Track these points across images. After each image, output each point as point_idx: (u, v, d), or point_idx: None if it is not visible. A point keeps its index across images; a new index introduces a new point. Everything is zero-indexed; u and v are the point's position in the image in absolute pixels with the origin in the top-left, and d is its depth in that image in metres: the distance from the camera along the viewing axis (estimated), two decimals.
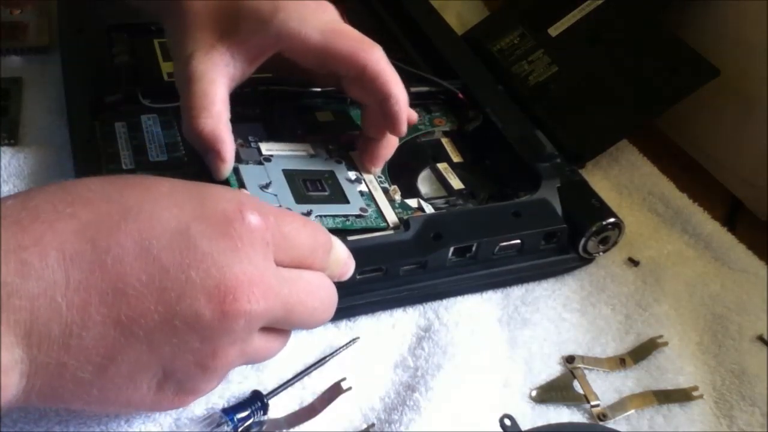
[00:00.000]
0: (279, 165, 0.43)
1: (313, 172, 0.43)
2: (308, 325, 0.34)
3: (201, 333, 0.27)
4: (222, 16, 0.38)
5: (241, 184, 0.40)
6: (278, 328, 0.32)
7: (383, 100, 0.40)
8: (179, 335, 0.26)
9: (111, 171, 0.40)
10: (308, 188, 0.42)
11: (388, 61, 0.40)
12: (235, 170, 0.41)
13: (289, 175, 0.42)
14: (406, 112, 0.41)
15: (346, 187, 0.43)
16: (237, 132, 0.40)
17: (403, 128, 0.42)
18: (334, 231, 0.40)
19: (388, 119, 0.41)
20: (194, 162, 0.42)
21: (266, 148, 0.44)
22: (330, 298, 0.33)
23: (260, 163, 0.42)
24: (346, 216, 0.41)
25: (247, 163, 0.42)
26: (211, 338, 0.27)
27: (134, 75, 0.48)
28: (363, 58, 0.39)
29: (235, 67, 0.39)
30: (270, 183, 0.41)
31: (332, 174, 0.44)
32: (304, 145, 0.46)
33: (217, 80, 0.38)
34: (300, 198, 0.41)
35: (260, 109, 0.49)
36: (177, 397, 0.29)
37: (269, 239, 0.28)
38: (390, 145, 0.44)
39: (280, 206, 0.40)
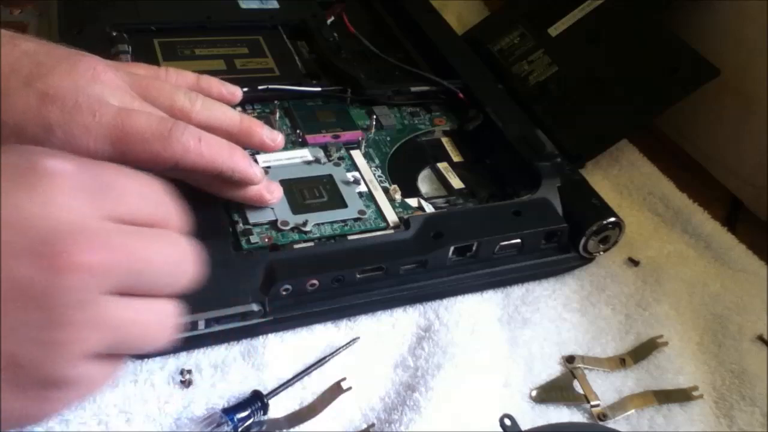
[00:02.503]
0: (276, 175, 0.42)
1: (310, 179, 0.43)
2: (169, 287, 0.28)
3: (36, 301, 0.23)
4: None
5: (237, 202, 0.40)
6: (143, 295, 0.26)
7: (218, 176, 0.36)
8: (14, 310, 0.22)
9: None
10: (305, 196, 0.42)
11: (194, 138, 0.34)
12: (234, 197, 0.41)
13: (286, 185, 0.42)
14: (251, 167, 0.37)
15: (344, 190, 0.43)
16: None
17: (259, 178, 0.38)
18: (333, 237, 0.40)
19: (241, 183, 0.38)
20: None
21: (263, 159, 0.44)
22: (186, 256, 0.28)
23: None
24: (344, 221, 0.41)
25: None
26: (48, 305, 0.23)
27: None
28: (167, 156, 0.33)
29: None
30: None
31: (330, 178, 0.44)
32: (302, 150, 0.46)
33: None
34: (297, 208, 0.41)
35: (260, 109, 0.49)
36: (39, 393, 0.24)
37: (86, 186, 0.25)
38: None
39: (276, 219, 0.40)
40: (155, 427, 0.34)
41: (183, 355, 0.37)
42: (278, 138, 0.40)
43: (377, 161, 0.47)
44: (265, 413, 0.35)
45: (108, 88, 0.34)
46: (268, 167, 0.43)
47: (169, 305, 0.27)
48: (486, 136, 0.50)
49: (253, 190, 0.39)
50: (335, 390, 0.36)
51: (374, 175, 0.45)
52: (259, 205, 0.40)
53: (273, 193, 0.40)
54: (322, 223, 0.40)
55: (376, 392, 0.37)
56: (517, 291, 0.44)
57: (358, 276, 0.38)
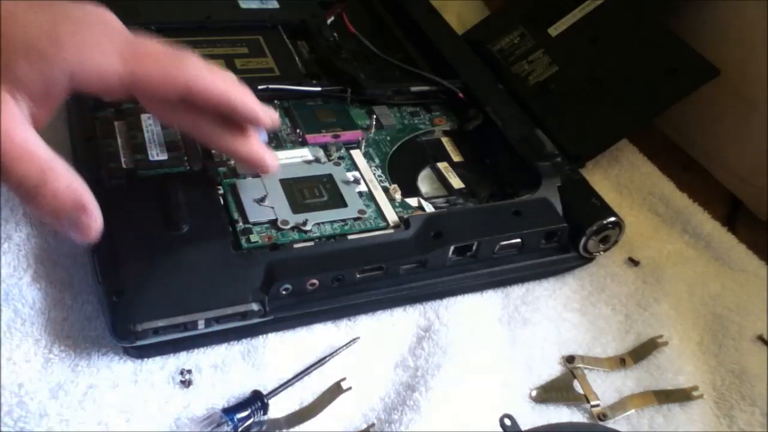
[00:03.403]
0: (276, 175, 0.43)
1: (310, 178, 0.43)
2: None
3: None
4: None
5: (238, 200, 0.40)
6: None
7: (229, 111, 0.35)
8: None
9: (111, 170, 0.40)
10: (305, 196, 0.42)
11: (206, 65, 0.34)
12: (233, 186, 0.41)
13: (286, 185, 0.42)
14: (259, 105, 0.36)
15: (344, 189, 0.43)
16: None
17: (267, 119, 0.36)
18: (333, 236, 0.40)
19: (246, 121, 0.37)
20: (194, 161, 0.42)
21: None
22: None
23: (257, 176, 0.42)
24: (344, 221, 0.41)
25: (245, 177, 0.42)
26: None
27: None
28: (180, 76, 0.33)
29: (26, 113, 0.31)
30: (266, 195, 0.41)
31: (330, 177, 0.44)
32: (302, 149, 0.46)
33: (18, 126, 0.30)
34: (297, 207, 0.41)
35: None
36: None
37: None
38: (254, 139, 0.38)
39: (276, 218, 0.40)
40: (155, 427, 0.34)
41: (183, 355, 0.37)
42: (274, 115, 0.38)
43: (377, 161, 0.47)
44: (265, 413, 0.35)
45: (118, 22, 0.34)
46: None
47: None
48: (486, 136, 0.50)
49: (254, 147, 0.37)
50: (335, 390, 0.36)
51: (374, 174, 0.45)
52: (255, 170, 0.39)
53: (271, 160, 0.38)
54: (322, 223, 0.40)
55: (376, 392, 0.37)
56: (517, 291, 0.44)
57: (358, 276, 0.38)
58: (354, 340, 0.39)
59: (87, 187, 0.31)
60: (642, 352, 0.41)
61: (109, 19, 0.33)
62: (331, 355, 0.38)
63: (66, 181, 0.31)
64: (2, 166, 0.29)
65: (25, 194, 0.30)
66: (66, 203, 0.31)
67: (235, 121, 0.36)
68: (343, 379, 0.37)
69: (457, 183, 0.47)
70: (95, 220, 0.32)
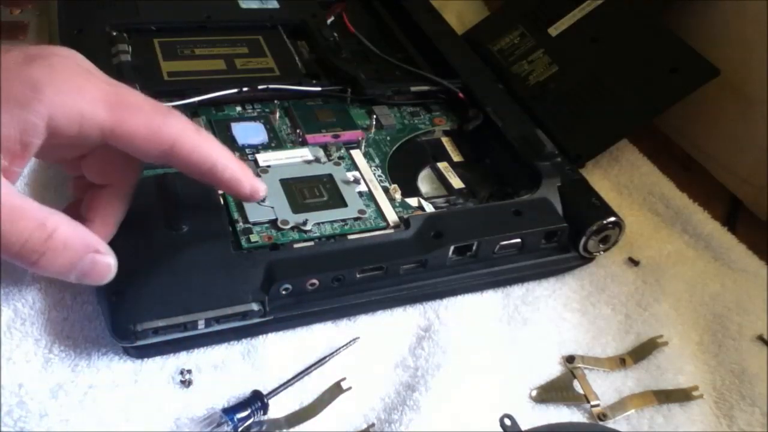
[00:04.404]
0: (276, 175, 0.43)
1: (310, 178, 0.43)
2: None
3: None
4: None
5: (238, 200, 0.40)
6: None
7: (208, 171, 0.33)
8: None
9: None
10: (305, 196, 0.42)
11: (192, 124, 0.32)
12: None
13: (286, 185, 0.42)
14: (242, 173, 0.34)
15: (344, 189, 0.43)
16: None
17: (248, 188, 0.34)
18: (333, 236, 0.40)
19: (224, 187, 0.34)
20: None
21: (263, 158, 0.44)
22: None
23: (257, 176, 0.42)
24: (344, 221, 0.41)
25: None
26: None
27: (134, 75, 0.48)
28: (167, 133, 0.31)
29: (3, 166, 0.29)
30: (266, 195, 0.41)
31: (330, 177, 0.44)
32: (303, 149, 0.46)
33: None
34: (297, 207, 0.41)
35: (260, 108, 0.49)
36: None
37: None
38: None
39: (276, 218, 0.40)
40: (155, 427, 0.34)
41: (183, 355, 0.37)
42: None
43: (377, 161, 0.47)
44: (265, 413, 0.35)
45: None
46: (268, 166, 0.43)
47: None
48: (486, 136, 0.50)
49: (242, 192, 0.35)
50: (335, 390, 0.36)
51: (374, 174, 0.45)
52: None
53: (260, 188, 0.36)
54: (322, 223, 0.40)
55: (376, 392, 0.37)
56: (517, 291, 0.44)
57: (358, 276, 0.38)
58: (354, 340, 0.39)
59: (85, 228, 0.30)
60: (642, 352, 0.41)
61: (88, 65, 0.31)
62: (331, 355, 0.38)
63: (70, 227, 0.29)
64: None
65: (33, 254, 0.28)
66: (79, 249, 0.29)
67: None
68: (343, 379, 0.37)
69: (457, 183, 0.47)
70: (111, 255, 0.31)
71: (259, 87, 0.48)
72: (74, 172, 0.35)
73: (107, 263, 0.31)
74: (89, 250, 0.30)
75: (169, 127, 0.31)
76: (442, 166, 0.48)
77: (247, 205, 0.40)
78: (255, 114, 0.48)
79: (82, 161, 0.34)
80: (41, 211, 0.29)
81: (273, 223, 0.40)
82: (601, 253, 0.45)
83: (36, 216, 0.28)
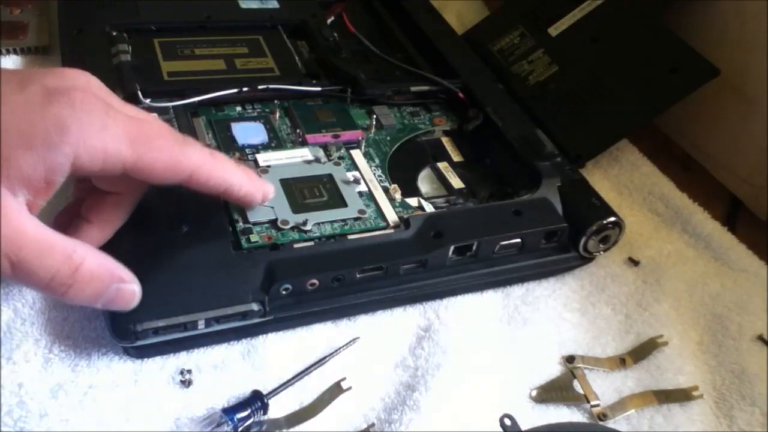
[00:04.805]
0: (276, 175, 0.42)
1: (310, 178, 0.43)
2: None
3: None
4: None
5: None
6: None
7: (225, 192, 0.35)
8: None
9: None
10: (305, 196, 0.42)
11: (208, 150, 0.34)
12: None
13: (286, 185, 0.42)
14: (254, 185, 0.37)
15: (344, 189, 0.43)
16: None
17: (260, 197, 0.38)
18: (333, 236, 0.40)
19: (239, 202, 0.38)
20: None
21: (263, 158, 0.44)
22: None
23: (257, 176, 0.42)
24: (344, 221, 0.41)
25: None
26: None
27: (134, 75, 0.48)
28: (186, 165, 0.32)
29: (24, 201, 0.29)
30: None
31: (330, 177, 0.44)
32: (303, 149, 0.46)
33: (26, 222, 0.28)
34: (297, 207, 0.41)
35: (260, 108, 0.49)
36: None
37: None
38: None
39: (276, 218, 0.40)
40: (155, 427, 0.34)
41: (183, 355, 0.37)
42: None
43: (377, 161, 0.47)
44: (265, 413, 0.35)
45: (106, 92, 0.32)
46: (269, 166, 0.43)
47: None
48: (486, 136, 0.50)
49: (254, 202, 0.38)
50: (335, 390, 0.36)
51: (374, 174, 0.45)
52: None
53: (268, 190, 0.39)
54: (322, 223, 0.40)
55: (376, 392, 0.37)
56: (517, 291, 0.44)
57: (358, 276, 0.38)
58: (354, 340, 0.39)
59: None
60: (642, 352, 0.41)
61: (105, 93, 0.31)
62: (331, 355, 0.38)
63: (96, 258, 0.30)
64: (27, 268, 0.28)
65: (61, 287, 0.29)
66: (105, 280, 0.30)
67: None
68: (343, 379, 0.37)
69: (457, 183, 0.47)
70: (136, 283, 0.32)
71: (259, 87, 0.48)
72: (80, 176, 0.35)
73: (132, 291, 0.32)
74: (114, 279, 0.31)
75: (187, 158, 0.32)
76: (442, 166, 0.48)
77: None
78: (255, 114, 0.48)
79: None
80: (68, 243, 0.29)
81: (273, 223, 0.40)
82: (601, 253, 0.45)
83: (63, 249, 0.29)
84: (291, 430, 0.35)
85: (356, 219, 0.41)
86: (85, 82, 0.31)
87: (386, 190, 0.44)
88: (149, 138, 0.31)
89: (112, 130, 0.29)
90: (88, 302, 0.30)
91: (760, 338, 0.42)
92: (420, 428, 0.35)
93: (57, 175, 0.28)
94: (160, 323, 0.34)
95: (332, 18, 0.59)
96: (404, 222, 0.41)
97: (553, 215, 0.43)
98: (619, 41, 0.54)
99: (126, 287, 0.31)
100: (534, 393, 0.38)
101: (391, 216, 0.42)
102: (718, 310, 0.44)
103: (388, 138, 0.49)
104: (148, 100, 0.45)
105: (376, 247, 0.39)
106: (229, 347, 0.38)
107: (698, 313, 0.44)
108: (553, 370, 0.40)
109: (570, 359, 0.40)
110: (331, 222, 0.41)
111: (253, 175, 0.38)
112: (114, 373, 0.35)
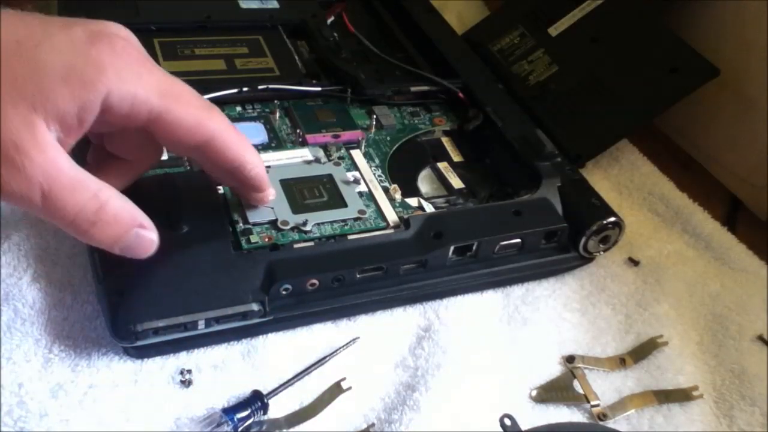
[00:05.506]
0: (276, 175, 0.42)
1: (310, 178, 0.43)
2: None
3: None
4: (26, 82, 0.28)
5: (238, 200, 0.40)
6: None
7: (237, 168, 0.35)
8: None
9: None
10: (305, 196, 0.42)
11: (231, 125, 0.34)
12: (233, 186, 0.41)
13: (286, 185, 0.42)
14: (264, 173, 0.37)
15: (344, 189, 0.43)
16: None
17: (267, 196, 0.38)
18: (333, 236, 0.40)
19: (247, 184, 0.37)
20: (195, 161, 0.42)
21: (263, 158, 0.43)
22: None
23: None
24: (344, 221, 0.41)
25: None
26: None
27: None
28: (209, 127, 0.32)
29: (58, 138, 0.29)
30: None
31: (330, 177, 0.44)
32: (303, 149, 0.46)
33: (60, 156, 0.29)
34: (297, 207, 0.41)
35: (260, 108, 0.49)
36: None
37: None
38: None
39: (276, 219, 0.40)
40: (155, 427, 0.34)
41: (183, 355, 0.37)
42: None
43: (377, 161, 0.47)
44: (265, 413, 0.35)
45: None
46: (269, 167, 0.43)
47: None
48: (486, 136, 0.50)
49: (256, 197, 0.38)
50: (335, 390, 0.36)
51: (374, 174, 0.45)
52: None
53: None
54: (322, 223, 0.40)
55: (376, 392, 0.37)
56: (517, 291, 0.44)
57: (358, 276, 0.38)
58: (354, 340, 0.39)
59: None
60: (642, 352, 0.41)
61: (143, 49, 0.32)
62: (331, 355, 0.38)
63: (120, 200, 0.30)
64: (56, 201, 0.28)
65: (84, 224, 0.29)
66: (127, 222, 0.31)
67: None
68: (343, 379, 0.37)
69: (457, 183, 0.47)
70: (155, 232, 0.32)
71: (259, 87, 0.48)
72: (96, 140, 0.36)
73: (150, 239, 0.32)
74: (135, 224, 0.31)
75: (211, 121, 0.32)
76: (442, 166, 0.48)
77: (247, 206, 0.40)
78: (255, 114, 0.48)
79: (106, 134, 0.35)
80: (95, 182, 0.30)
81: (273, 223, 0.40)
82: (601, 253, 0.45)
83: (90, 187, 0.29)
84: (291, 430, 0.35)
85: (356, 219, 0.41)
86: (126, 34, 0.31)
87: (386, 190, 0.44)
88: (179, 94, 0.32)
89: (146, 78, 0.30)
90: (108, 244, 0.31)
91: (760, 338, 0.42)
92: (420, 428, 0.35)
93: (89, 113, 0.29)
94: (160, 323, 0.34)
95: (332, 18, 0.59)
96: (404, 222, 0.41)
97: (553, 215, 0.43)
98: (619, 41, 0.54)
99: (146, 234, 0.32)
100: (534, 393, 0.38)
101: (391, 216, 0.42)
102: (718, 310, 0.44)
103: (388, 138, 0.49)
104: None
105: (376, 247, 0.39)
106: (229, 347, 0.38)
107: (698, 313, 0.44)
108: (553, 370, 0.40)
109: (570, 359, 0.40)
110: (331, 222, 0.41)
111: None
112: (114, 373, 0.35)
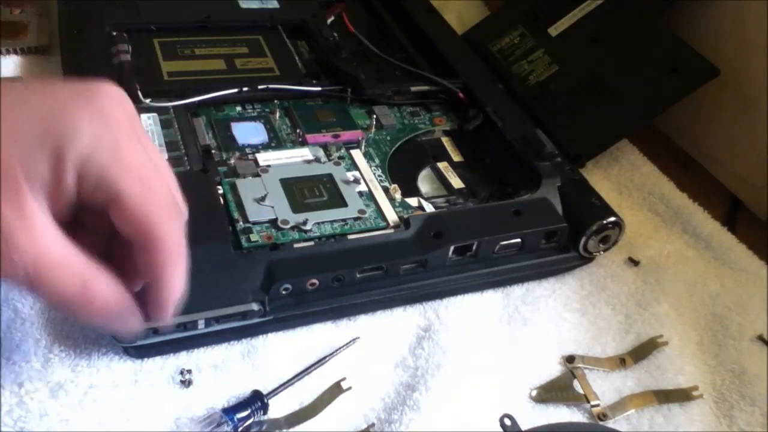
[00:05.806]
0: (276, 174, 0.43)
1: (310, 178, 0.43)
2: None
3: None
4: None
5: (238, 199, 0.40)
6: None
7: (154, 283, 0.30)
8: None
9: None
10: (305, 195, 0.42)
11: (181, 241, 0.30)
12: (233, 185, 0.41)
13: (286, 184, 0.42)
14: (175, 301, 0.31)
15: (344, 189, 0.43)
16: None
17: (163, 315, 0.31)
18: (333, 236, 0.40)
19: (151, 300, 0.31)
20: (194, 161, 0.42)
21: (263, 158, 0.44)
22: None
23: (257, 175, 0.42)
24: (344, 221, 0.41)
25: (245, 177, 0.42)
26: None
27: (134, 74, 0.48)
28: (155, 233, 0.28)
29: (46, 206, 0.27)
30: (266, 195, 0.41)
31: (330, 177, 0.44)
32: (303, 149, 0.46)
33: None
34: (297, 207, 0.41)
35: (260, 108, 0.49)
36: None
37: None
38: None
39: (276, 218, 0.40)
40: (155, 427, 0.34)
41: (183, 355, 0.37)
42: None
43: (377, 161, 0.47)
44: (265, 413, 0.35)
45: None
46: (269, 166, 0.43)
47: None
48: (486, 136, 0.50)
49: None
50: (335, 390, 0.36)
51: (374, 174, 0.45)
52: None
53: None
54: (322, 223, 0.40)
55: (376, 392, 0.37)
56: (517, 291, 0.44)
57: (358, 275, 0.38)
58: (354, 340, 0.39)
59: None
60: (642, 352, 0.41)
61: (135, 118, 0.29)
62: (331, 355, 0.38)
63: (108, 284, 0.28)
64: (43, 284, 0.26)
65: (70, 305, 0.28)
66: (113, 312, 0.29)
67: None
68: (343, 379, 0.37)
69: (457, 183, 0.47)
70: (139, 318, 0.30)
71: (259, 87, 0.48)
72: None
73: (138, 321, 0.30)
74: (123, 307, 0.29)
75: (162, 228, 0.29)
76: (442, 166, 0.48)
77: (247, 205, 0.40)
78: (255, 114, 0.48)
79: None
80: (84, 264, 0.28)
81: (273, 222, 0.40)
82: (601, 253, 0.45)
83: (79, 270, 0.27)
84: (291, 430, 0.35)
85: (356, 219, 0.41)
86: (120, 101, 0.29)
87: (386, 190, 0.44)
88: (151, 187, 0.28)
89: (126, 155, 0.28)
90: (96, 324, 0.30)
91: (760, 338, 0.42)
92: (420, 428, 0.35)
93: (67, 185, 0.27)
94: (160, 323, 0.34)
95: (332, 18, 0.59)
96: (404, 222, 0.41)
97: (553, 215, 0.43)
98: (619, 41, 0.54)
99: (131, 320, 0.30)
100: (534, 393, 0.38)
101: (391, 216, 0.42)
102: (718, 310, 0.44)
103: (388, 138, 0.49)
104: (148, 100, 0.46)
105: (376, 247, 0.39)
106: (229, 347, 0.38)
107: (698, 313, 0.44)
108: (553, 370, 0.40)
109: (570, 359, 0.40)
110: (331, 222, 0.41)
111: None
112: (114, 373, 0.35)
